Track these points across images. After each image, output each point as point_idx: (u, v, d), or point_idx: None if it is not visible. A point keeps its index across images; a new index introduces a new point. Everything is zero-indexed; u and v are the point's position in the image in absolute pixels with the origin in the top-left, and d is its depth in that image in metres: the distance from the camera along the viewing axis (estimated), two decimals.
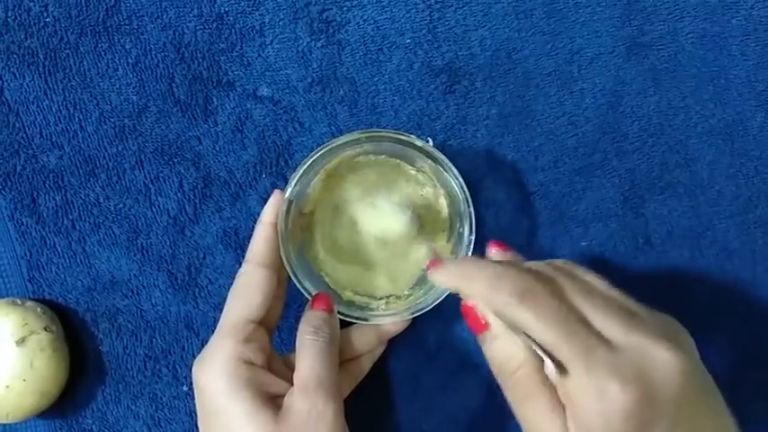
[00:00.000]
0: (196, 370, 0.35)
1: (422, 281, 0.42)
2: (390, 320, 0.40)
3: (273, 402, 0.34)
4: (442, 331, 0.44)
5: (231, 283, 0.43)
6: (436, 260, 0.34)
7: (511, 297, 0.30)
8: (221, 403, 0.33)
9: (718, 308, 0.45)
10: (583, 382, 0.28)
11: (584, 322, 0.30)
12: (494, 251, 0.37)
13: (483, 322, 0.32)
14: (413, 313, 0.40)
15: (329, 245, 0.42)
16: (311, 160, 0.38)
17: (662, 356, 0.29)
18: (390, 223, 0.41)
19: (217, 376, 0.34)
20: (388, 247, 0.42)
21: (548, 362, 0.29)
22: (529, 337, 0.30)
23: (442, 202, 0.42)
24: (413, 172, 0.42)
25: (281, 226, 0.38)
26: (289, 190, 0.39)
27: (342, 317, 0.39)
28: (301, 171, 0.39)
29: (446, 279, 0.33)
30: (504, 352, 0.31)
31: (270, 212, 0.38)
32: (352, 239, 0.42)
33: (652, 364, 0.28)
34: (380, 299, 0.42)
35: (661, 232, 0.45)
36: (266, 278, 0.37)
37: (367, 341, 0.40)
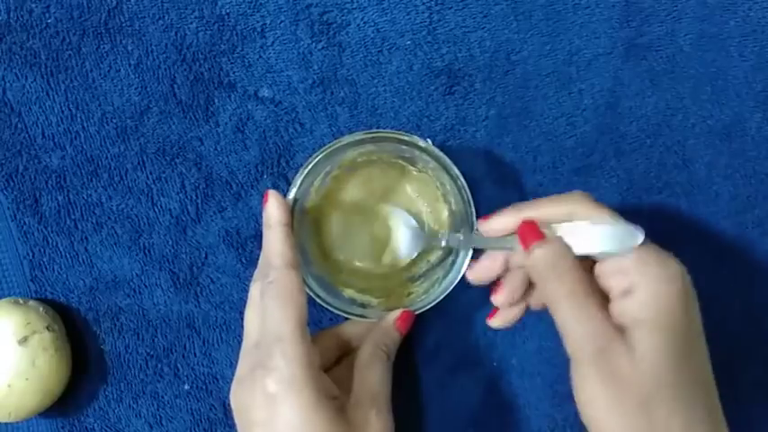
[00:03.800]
0: (264, 380, 0.33)
1: (423, 277, 0.42)
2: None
3: (333, 406, 0.34)
4: (442, 330, 0.44)
5: (233, 283, 0.43)
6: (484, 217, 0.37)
7: (573, 206, 0.35)
8: (303, 417, 0.33)
9: (717, 307, 0.45)
10: (652, 260, 0.34)
11: None
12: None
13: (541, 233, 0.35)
14: (414, 311, 0.40)
15: (330, 243, 0.42)
16: (315, 160, 0.39)
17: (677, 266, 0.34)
18: (399, 246, 0.42)
19: (294, 385, 0.33)
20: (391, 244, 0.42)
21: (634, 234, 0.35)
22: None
23: (443, 203, 0.42)
24: (415, 173, 0.42)
25: None
26: (294, 189, 0.39)
27: (342, 314, 0.40)
28: (306, 171, 0.39)
29: (509, 218, 0.36)
30: (558, 253, 0.35)
31: (280, 213, 0.37)
32: (354, 238, 0.42)
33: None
34: (381, 297, 0.42)
35: (659, 232, 0.45)
36: (299, 279, 0.36)
37: (361, 333, 0.41)
